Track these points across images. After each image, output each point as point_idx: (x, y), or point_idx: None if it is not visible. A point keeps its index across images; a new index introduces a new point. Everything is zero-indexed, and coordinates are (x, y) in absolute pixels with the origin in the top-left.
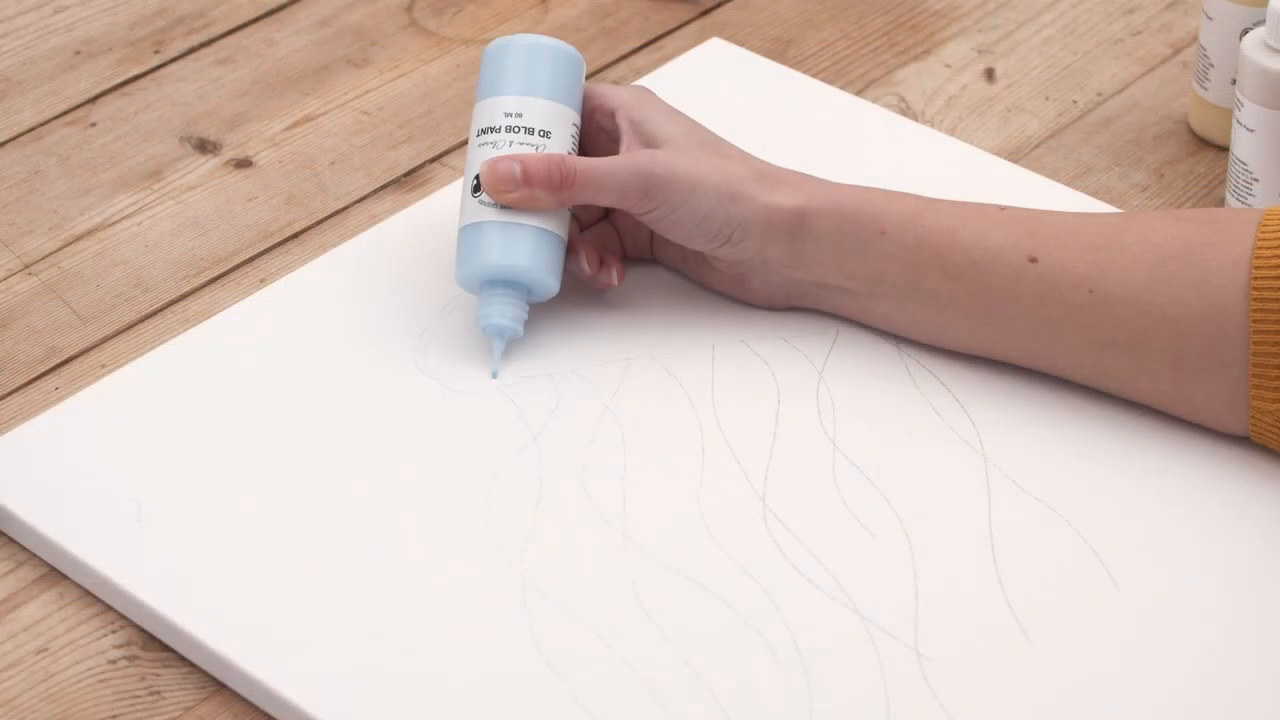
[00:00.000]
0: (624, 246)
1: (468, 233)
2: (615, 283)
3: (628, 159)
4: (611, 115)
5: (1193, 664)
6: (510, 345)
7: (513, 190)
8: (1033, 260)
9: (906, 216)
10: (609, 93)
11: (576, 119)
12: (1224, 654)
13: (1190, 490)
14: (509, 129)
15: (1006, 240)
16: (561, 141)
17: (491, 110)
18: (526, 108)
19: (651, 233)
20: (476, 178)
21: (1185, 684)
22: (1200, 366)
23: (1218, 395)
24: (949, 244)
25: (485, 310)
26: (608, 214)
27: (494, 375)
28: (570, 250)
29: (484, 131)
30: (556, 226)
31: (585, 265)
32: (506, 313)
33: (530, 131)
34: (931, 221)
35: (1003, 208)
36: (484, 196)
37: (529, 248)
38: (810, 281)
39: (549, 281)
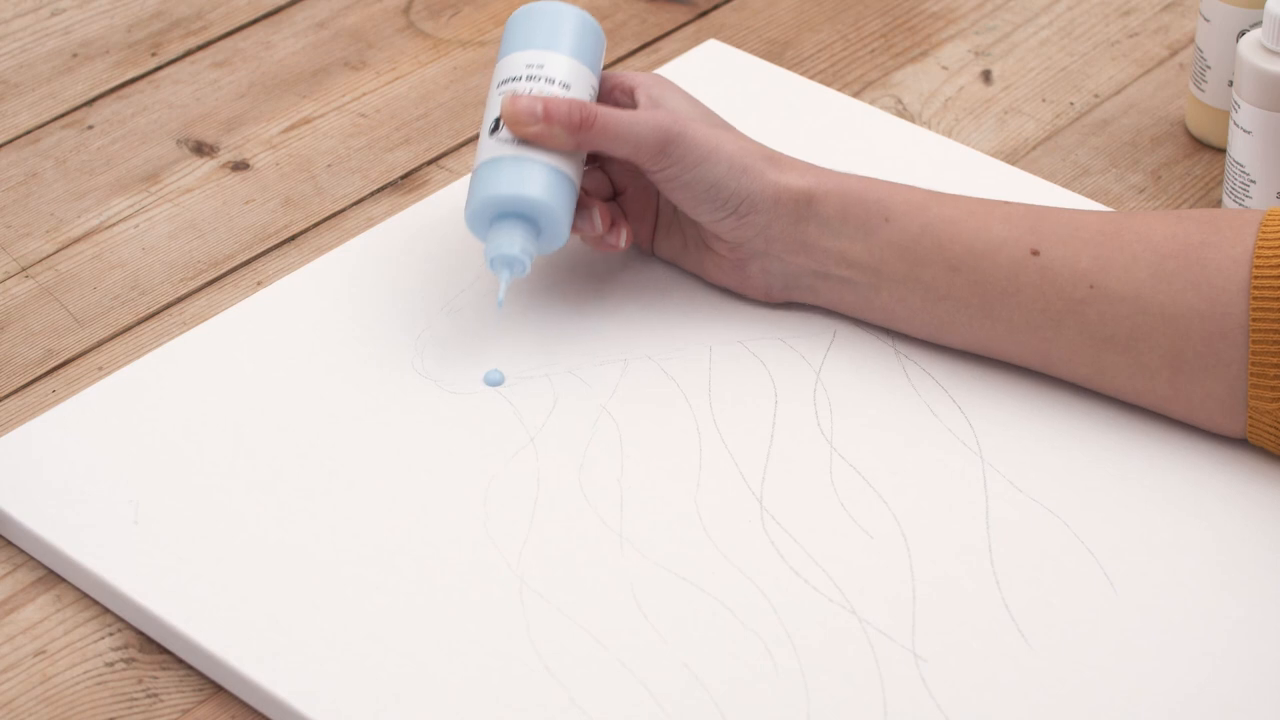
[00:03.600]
0: None
1: (482, 169)
2: (622, 245)
3: (649, 114)
4: (630, 92)
5: (1189, 665)
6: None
7: (532, 125)
8: (1034, 253)
9: (911, 206)
10: (627, 74)
11: (595, 83)
12: (1221, 655)
13: (1187, 492)
14: (530, 78)
15: (1009, 234)
16: (581, 95)
17: (513, 63)
18: (548, 60)
19: (655, 223)
20: (496, 120)
21: (1182, 685)
22: (1199, 365)
23: (1215, 395)
24: (951, 235)
25: (493, 242)
26: (615, 195)
27: (500, 305)
28: (582, 207)
29: (505, 81)
30: (571, 171)
31: (597, 222)
32: (515, 244)
33: (551, 81)
34: (935, 211)
35: (1006, 203)
36: (502, 134)
37: (542, 181)
38: (810, 270)
39: (560, 219)
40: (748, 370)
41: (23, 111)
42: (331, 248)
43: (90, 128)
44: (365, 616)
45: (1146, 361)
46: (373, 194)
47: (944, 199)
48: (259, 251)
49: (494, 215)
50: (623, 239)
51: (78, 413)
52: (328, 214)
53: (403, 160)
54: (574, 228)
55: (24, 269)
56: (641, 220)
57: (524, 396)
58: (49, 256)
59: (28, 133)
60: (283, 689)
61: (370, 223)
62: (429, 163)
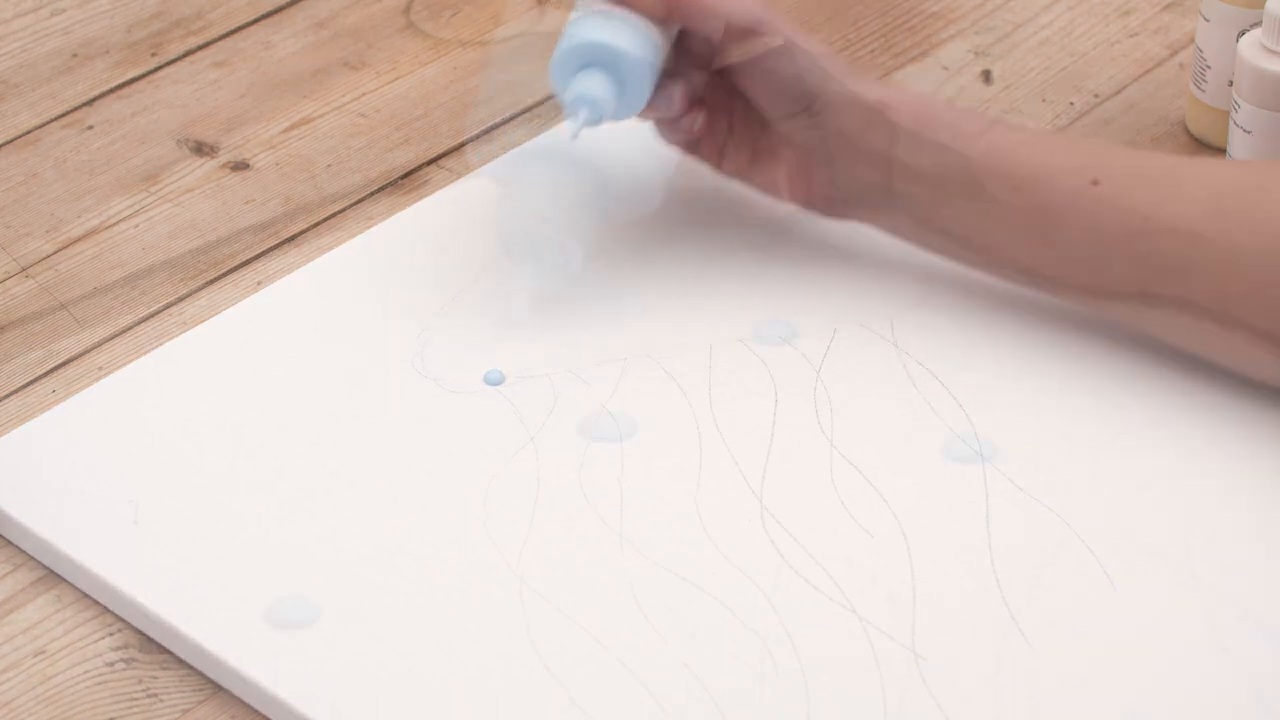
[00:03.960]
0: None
1: (572, 25)
2: (696, 129)
3: None
4: None
5: (1191, 665)
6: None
7: None
8: (1095, 183)
9: (979, 129)
10: None
11: None
12: (1222, 655)
13: (1188, 491)
14: None
15: (1072, 162)
16: None
17: None
18: None
19: (725, 139)
20: None
21: (1183, 685)
22: (1245, 304)
23: (1261, 334)
24: (1017, 159)
25: (576, 85)
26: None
27: (573, 137)
28: (661, 86)
29: None
30: (659, 38)
31: (676, 99)
32: (598, 87)
33: None
34: (1003, 135)
35: (1070, 135)
36: None
37: (630, 36)
38: (874, 185)
39: (643, 76)
40: (748, 368)
41: (23, 111)
42: (332, 248)
43: (90, 128)
44: (365, 616)
45: (1194, 296)
46: (373, 194)
47: (1011, 125)
48: (259, 251)
49: (579, 65)
50: (698, 121)
51: (78, 413)
52: (328, 214)
53: (403, 160)
54: (652, 106)
55: (24, 269)
56: (711, 134)
57: (524, 396)
58: (49, 256)
59: (28, 133)
60: (283, 689)
61: (370, 223)
62: (429, 163)
